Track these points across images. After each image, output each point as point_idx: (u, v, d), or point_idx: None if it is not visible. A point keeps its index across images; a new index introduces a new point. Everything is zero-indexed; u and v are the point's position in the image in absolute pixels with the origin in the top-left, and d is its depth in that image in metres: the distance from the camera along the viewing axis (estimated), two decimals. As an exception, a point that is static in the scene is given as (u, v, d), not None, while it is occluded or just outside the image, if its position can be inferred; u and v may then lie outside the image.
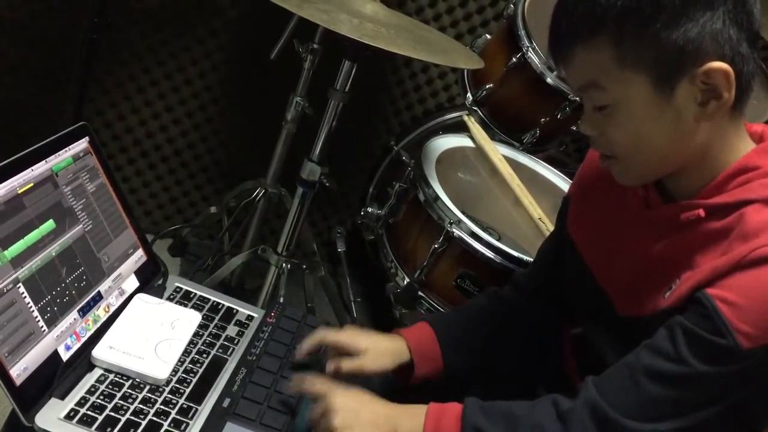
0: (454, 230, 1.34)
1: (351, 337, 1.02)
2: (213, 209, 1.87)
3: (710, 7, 0.76)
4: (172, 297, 1.12)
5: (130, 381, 0.94)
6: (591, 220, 1.00)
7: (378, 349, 1.02)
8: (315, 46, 1.57)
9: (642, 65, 0.79)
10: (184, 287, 1.14)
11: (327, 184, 1.52)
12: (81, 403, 0.88)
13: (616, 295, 0.94)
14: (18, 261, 0.87)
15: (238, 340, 1.08)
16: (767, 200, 0.79)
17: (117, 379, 0.93)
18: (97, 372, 0.94)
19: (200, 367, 1.00)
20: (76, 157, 1.00)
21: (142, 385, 0.93)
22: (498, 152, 1.65)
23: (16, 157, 0.89)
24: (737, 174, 0.82)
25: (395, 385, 1.09)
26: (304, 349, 1.02)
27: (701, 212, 0.83)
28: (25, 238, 0.88)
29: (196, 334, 1.05)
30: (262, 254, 1.59)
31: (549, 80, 1.58)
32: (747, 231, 0.78)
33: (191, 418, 0.91)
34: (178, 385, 0.95)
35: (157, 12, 1.82)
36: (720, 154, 0.84)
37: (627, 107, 0.82)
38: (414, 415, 0.88)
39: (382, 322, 2.00)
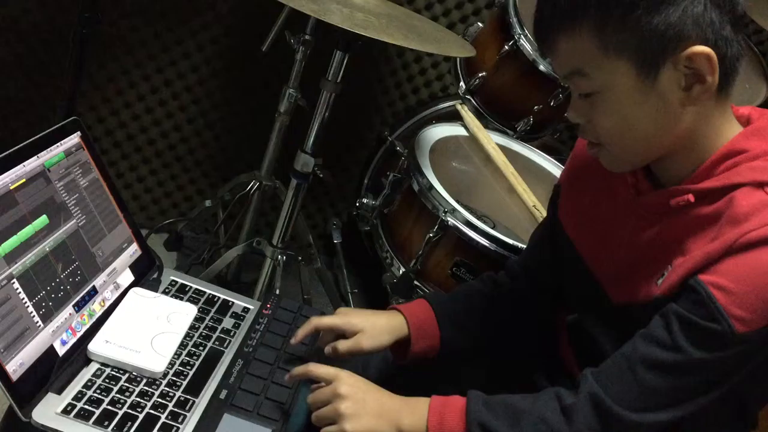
0: (448, 219, 1.34)
1: (345, 318, 1.02)
2: (208, 203, 1.87)
3: None
4: (167, 290, 1.12)
5: (127, 374, 0.94)
6: (582, 208, 1.00)
7: (375, 327, 1.02)
8: (307, 37, 1.57)
9: (625, 51, 0.79)
10: (180, 281, 1.15)
11: (321, 176, 1.52)
12: (78, 397, 0.89)
13: (609, 282, 0.95)
14: (12, 257, 0.87)
15: (235, 332, 1.08)
16: (756, 183, 0.79)
17: (114, 372, 0.94)
18: (93, 366, 0.94)
19: (197, 360, 1.00)
20: (68, 152, 1.00)
21: (138, 379, 0.94)
22: (492, 140, 1.65)
23: (7, 153, 0.89)
24: (725, 158, 0.82)
25: (392, 370, 1.10)
26: (299, 337, 1.02)
27: (690, 197, 0.83)
28: (19, 234, 0.88)
29: (192, 327, 1.05)
30: (257, 247, 1.59)
31: (542, 67, 1.58)
32: (737, 215, 0.78)
33: (188, 411, 0.92)
34: (175, 378, 0.96)
35: (148, 6, 1.82)
36: (707, 139, 0.84)
37: (612, 94, 0.82)
38: (417, 408, 0.88)
39: (380, 312, 2.00)
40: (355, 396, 0.87)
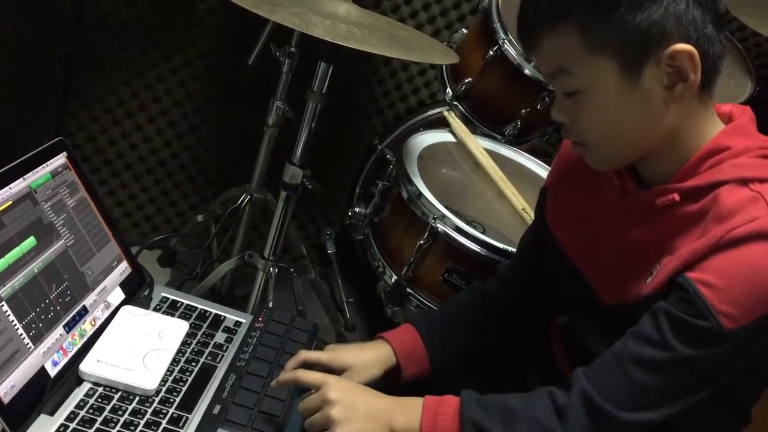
0: (438, 226, 1.35)
1: (333, 354, 1.01)
2: (200, 217, 1.87)
3: None
4: (158, 307, 1.12)
5: (120, 393, 0.94)
6: (569, 210, 1.01)
7: (363, 363, 1.01)
8: (292, 49, 1.57)
9: (608, 50, 0.79)
10: (171, 297, 1.14)
11: (310, 187, 1.52)
12: (71, 418, 0.88)
13: (598, 283, 0.95)
14: (0, 280, 0.87)
15: (227, 347, 1.08)
16: (740, 180, 0.80)
17: (106, 392, 0.93)
18: (85, 386, 0.94)
19: (189, 376, 1.00)
20: (54, 173, 1.00)
21: (131, 397, 0.94)
22: (479, 146, 1.66)
23: (-8, 175, 0.89)
24: (708, 156, 0.83)
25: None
26: (288, 369, 0.98)
27: (676, 196, 0.83)
28: (6, 256, 0.88)
29: (184, 343, 1.05)
30: (249, 260, 1.59)
31: (527, 71, 1.59)
32: (722, 212, 0.79)
33: (182, 427, 0.91)
34: (167, 395, 0.96)
35: (135, 23, 1.82)
36: (690, 137, 0.84)
37: (596, 92, 0.82)
38: (410, 408, 0.88)
39: (375, 321, 2.00)
40: (345, 400, 0.86)
